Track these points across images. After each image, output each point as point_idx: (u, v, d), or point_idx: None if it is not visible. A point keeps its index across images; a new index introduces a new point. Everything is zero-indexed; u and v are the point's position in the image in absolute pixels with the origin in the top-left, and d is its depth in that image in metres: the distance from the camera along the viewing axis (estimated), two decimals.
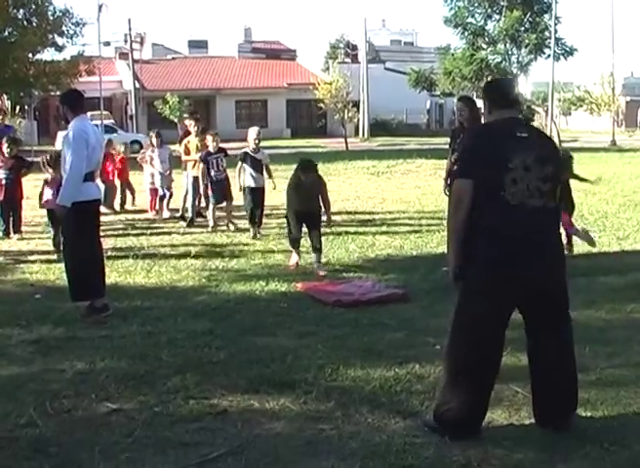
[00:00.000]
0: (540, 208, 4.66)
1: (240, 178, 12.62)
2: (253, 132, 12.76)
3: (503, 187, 4.59)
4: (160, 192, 15.11)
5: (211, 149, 13.18)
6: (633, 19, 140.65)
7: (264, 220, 13.04)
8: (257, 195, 12.51)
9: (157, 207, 15.26)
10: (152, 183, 15.26)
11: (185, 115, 16.78)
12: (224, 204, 13.45)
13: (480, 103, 9.77)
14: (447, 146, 10.23)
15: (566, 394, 4.82)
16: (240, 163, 12.56)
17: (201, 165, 13.21)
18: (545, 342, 4.78)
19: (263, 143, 13.00)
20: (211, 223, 13.31)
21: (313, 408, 5.22)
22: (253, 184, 12.44)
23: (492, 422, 4.89)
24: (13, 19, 36.55)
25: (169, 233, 13.04)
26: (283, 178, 12.45)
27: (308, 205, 9.80)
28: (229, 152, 13.53)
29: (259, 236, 12.29)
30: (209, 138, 13.39)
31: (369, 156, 30.85)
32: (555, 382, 4.79)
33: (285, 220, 10.39)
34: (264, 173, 12.67)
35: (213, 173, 13.09)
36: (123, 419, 5.05)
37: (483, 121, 5.48)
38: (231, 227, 13.19)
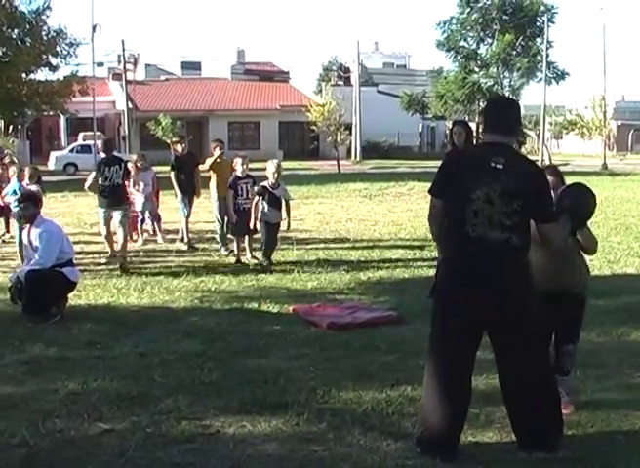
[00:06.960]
0: (503, 241, 4.59)
1: (258, 212, 11.58)
2: (272, 165, 11.69)
3: (465, 218, 4.60)
4: (140, 217, 14.48)
5: (239, 174, 12.14)
6: (625, 44, 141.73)
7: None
8: (272, 231, 11.68)
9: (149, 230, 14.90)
10: (133, 211, 14.05)
11: (175, 139, 15.31)
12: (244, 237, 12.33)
13: (474, 127, 9.78)
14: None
15: (539, 418, 4.77)
16: (258, 197, 11.56)
17: (229, 191, 12.18)
18: (513, 368, 4.79)
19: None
20: (236, 257, 12.21)
21: (305, 429, 5.23)
22: (270, 221, 11.58)
23: (483, 444, 4.90)
24: (7, 38, 36.76)
25: (162, 254, 13.04)
26: None
27: None
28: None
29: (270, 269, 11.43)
30: (238, 161, 12.22)
31: (361, 179, 30.94)
32: (526, 407, 4.78)
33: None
34: (282, 209, 11.79)
35: (239, 200, 12.07)
36: (115, 440, 5.05)
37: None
38: (252, 262, 12.01)
